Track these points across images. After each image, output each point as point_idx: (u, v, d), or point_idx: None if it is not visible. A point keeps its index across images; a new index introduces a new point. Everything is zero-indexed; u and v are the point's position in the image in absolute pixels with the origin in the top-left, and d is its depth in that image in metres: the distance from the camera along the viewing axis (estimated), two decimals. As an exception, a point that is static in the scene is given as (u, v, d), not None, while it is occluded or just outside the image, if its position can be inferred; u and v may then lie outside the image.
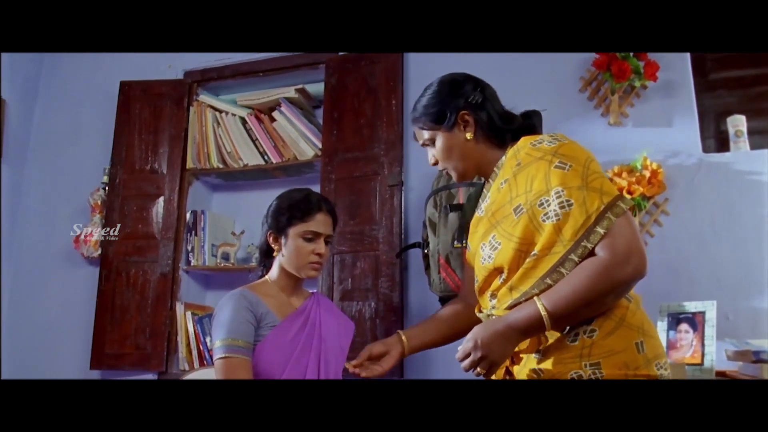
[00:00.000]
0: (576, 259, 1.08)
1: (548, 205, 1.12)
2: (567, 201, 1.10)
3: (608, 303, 1.10)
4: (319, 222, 1.63)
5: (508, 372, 1.20)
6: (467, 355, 1.12)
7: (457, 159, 1.33)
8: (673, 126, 2.18)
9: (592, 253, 1.08)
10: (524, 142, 1.25)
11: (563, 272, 1.09)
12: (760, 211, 2.01)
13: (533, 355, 1.14)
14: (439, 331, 1.46)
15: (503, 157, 1.30)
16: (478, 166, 1.33)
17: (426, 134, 1.36)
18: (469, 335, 1.14)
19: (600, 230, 1.07)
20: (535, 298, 1.11)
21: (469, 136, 1.31)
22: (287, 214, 1.63)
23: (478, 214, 1.32)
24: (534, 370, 1.13)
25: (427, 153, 1.39)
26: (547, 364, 1.11)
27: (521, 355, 1.18)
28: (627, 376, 1.06)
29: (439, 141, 1.33)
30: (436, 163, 1.37)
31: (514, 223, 1.16)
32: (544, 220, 1.12)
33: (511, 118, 1.34)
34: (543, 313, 1.08)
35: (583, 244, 1.08)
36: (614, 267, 1.05)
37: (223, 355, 1.49)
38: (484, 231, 1.24)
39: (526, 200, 1.15)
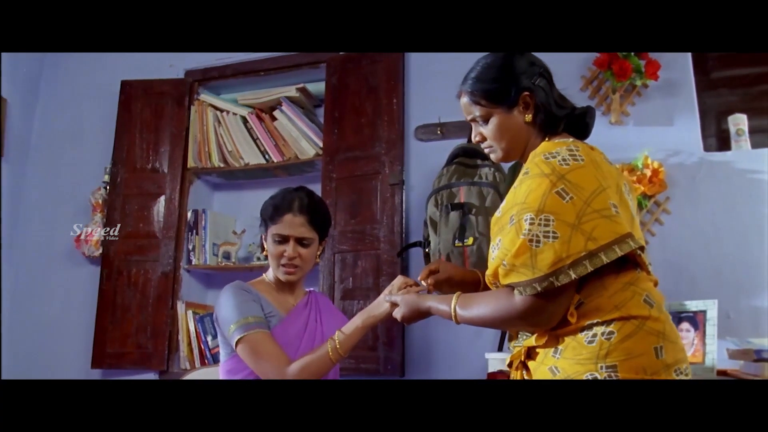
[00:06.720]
0: (538, 288, 1.08)
1: (532, 224, 1.08)
2: (554, 233, 1.06)
3: (508, 328, 1.26)
4: (286, 224, 1.57)
5: (525, 366, 1.19)
6: (395, 305, 1.40)
7: (509, 141, 1.25)
8: (674, 125, 2.18)
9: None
10: (542, 149, 1.19)
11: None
12: (761, 210, 2.01)
13: (551, 353, 1.13)
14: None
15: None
16: (524, 151, 1.27)
17: (478, 110, 1.26)
18: (403, 303, 1.38)
19: (572, 274, 1.06)
20: (453, 297, 1.25)
21: (528, 118, 1.23)
22: (263, 216, 1.64)
23: (497, 214, 1.25)
24: (550, 368, 1.12)
25: (473, 129, 1.31)
26: (564, 363, 1.10)
27: (537, 350, 1.16)
28: None
29: (495, 120, 1.24)
30: (481, 141, 1.29)
31: (507, 233, 1.13)
32: (528, 239, 1.08)
33: (564, 103, 1.29)
34: (453, 315, 1.24)
35: (551, 279, 1.06)
36: (516, 315, 1.13)
37: (243, 334, 1.48)
38: (494, 234, 1.22)
39: (518, 211, 1.11)
